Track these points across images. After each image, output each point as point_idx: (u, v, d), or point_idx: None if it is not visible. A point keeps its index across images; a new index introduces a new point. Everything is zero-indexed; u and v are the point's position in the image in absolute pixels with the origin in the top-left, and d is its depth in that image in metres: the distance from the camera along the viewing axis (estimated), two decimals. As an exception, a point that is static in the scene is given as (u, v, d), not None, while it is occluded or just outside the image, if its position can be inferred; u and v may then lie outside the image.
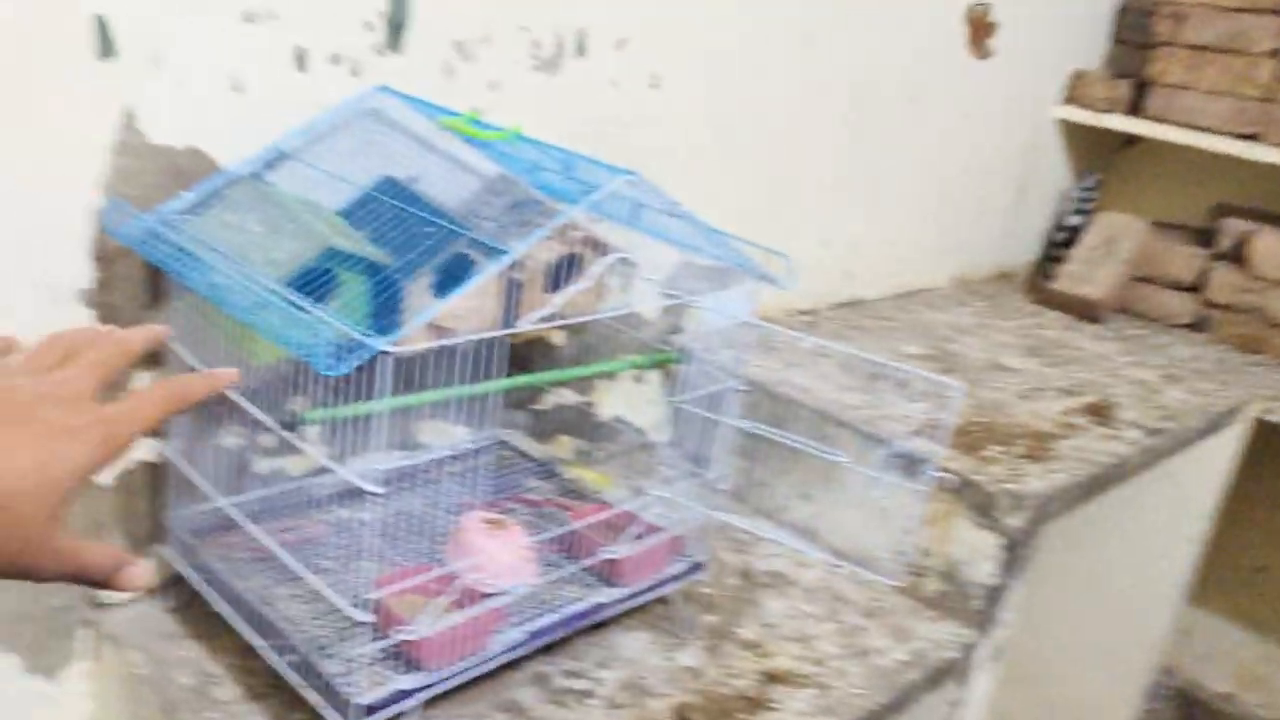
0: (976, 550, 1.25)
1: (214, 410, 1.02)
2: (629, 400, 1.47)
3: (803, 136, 1.58)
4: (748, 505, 1.44)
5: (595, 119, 1.27)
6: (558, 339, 1.32)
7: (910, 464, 1.09)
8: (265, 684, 0.98)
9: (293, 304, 0.77)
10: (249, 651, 1.02)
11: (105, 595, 1.05)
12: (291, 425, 0.84)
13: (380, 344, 0.71)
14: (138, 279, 0.97)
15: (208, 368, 0.93)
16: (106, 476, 1.01)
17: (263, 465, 1.11)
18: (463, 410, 1.26)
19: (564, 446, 1.41)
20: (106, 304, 0.95)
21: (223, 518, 1.04)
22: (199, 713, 0.94)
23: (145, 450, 1.03)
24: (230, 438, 1.06)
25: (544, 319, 0.88)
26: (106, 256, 0.94)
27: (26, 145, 0.86)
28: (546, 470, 1.27)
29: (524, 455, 1.29)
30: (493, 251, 0.97)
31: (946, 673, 1.22)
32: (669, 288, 1.39)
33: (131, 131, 0.92)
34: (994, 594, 1.25)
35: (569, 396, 1.38)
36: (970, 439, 1.37)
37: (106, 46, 0.88)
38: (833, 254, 1.75)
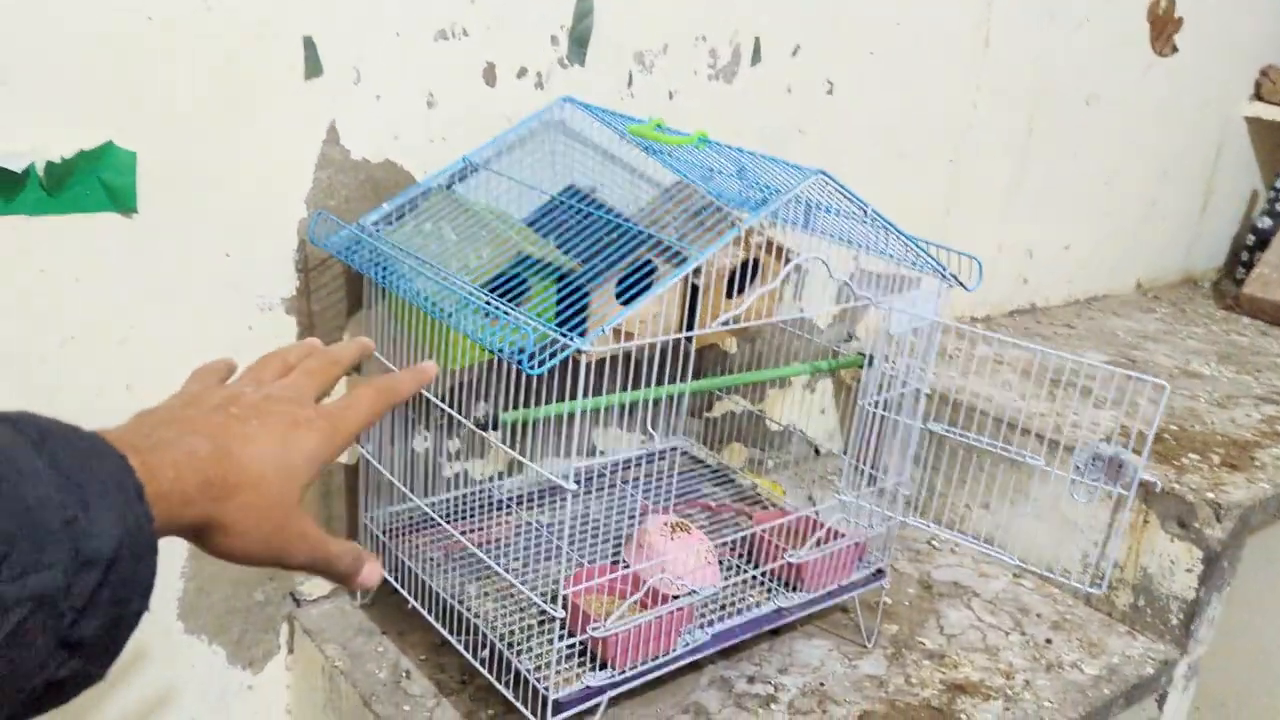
0: (1175, 562, 1.19)
1: (405, 415, 1.06)
2: (800, 408, 1.46)
3: (978, 140, 1.54)
4: (925, 515, 1.41)
5: (770, 126, 1.27)
6: (731, 346, 1.32)
7: (1112, 470, 1.05)
8: (455, 679, 1.01)
9: (494, 307, 0.80)
10: (438, 647, 1.05)
11: (304, 591, 1.10)
12: (485, 426, 0.87)
13: (581, 344, 0.73)
14: (336, 288, 1.02)
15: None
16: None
17: (448, 469, 1.15)
18: (638, 417, 1.27)
19: (736, 454, 1.41)
20: (307, 311, 1.00)
21: (412, 518, 1.08)
22: (396, 705, 0.97)
23: (342, 454, 1.07)
24: (420, 441, 1.10)
25: (726, 321, 0.88)
26: (308, 266, 0.99)
27: (242, 162, 0.92)
28: (721, 476, 1.27)
29: (698, 461, 1.29)
30: (675, 258, 0.98)
31: (1143, 690, 1.16)
32: (845, 292, 1.38)
33: (334, 147, 0.97)
34: (1192, 609, 1.18)
35: (740, 404, 1.38)
36: (1165, 447, 1.30)
37: (313, 67, 0.93)
38: (1008, 259, 1.70)
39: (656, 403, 1.27)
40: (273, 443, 0.49)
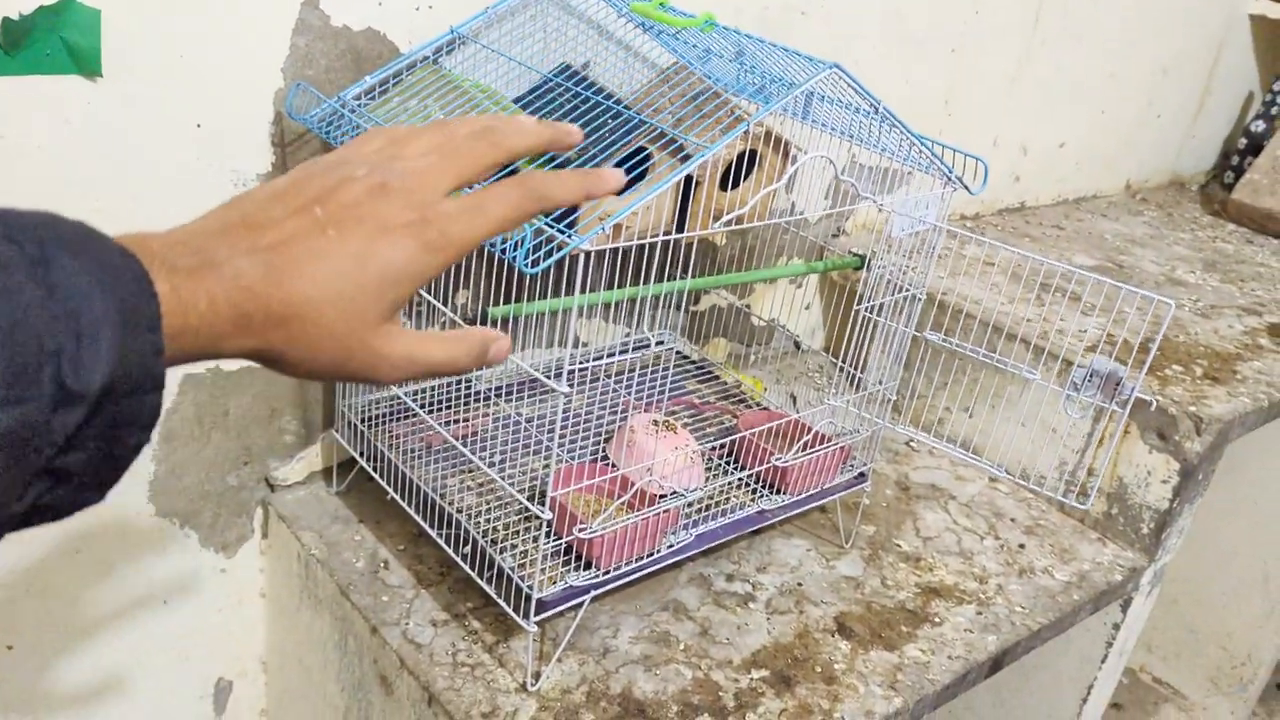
0: (1152, 473, 1.19)
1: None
2: (785, 303, 1.44)
3: (983, 27, 1.49)
4: (903, 417, 1.40)
5: (772, 3, 1.21)
6: (720, 239, 1.29)
7: (1109, 386, 1.04)
8: (434, 571, 1.00)
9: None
10: (416, 538, 1.04)
11: (279, 476, 1.07)
12: (473, 321, 0.83)
13: (580, 243, 0.69)
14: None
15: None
16: (282, 360, 1.02)
17: (428, 355, 1.11)
18: (623, 310, 1.24)
19: (719, 349, 1.39)
20: (286, 189, 0.95)
21: (391, 407, 1.05)
22: (374, 595, 0.96)
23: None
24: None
25: (729, 222, 0.84)
26: (285, 141, 0.94)
27: (214, 23, 0.85)
28: (705, 373, 1.24)
29: (682, 356, 1.27)
30: (672, 146, 0.94)
31: (1110, 596, 1.18)
32: (845, 189, 1.34)
33: (313, 11, 0.90)
34: (1164, 519, 1.19)
35: (727, 298, 1.35)
36: (1146, 357, 1.30)
37: (293, -77, 0.86)
38: (1003, 156, 1.66)
39: (647, 298, 1.24)
40: (346, 261, 0.42)
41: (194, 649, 1.10)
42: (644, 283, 0.98)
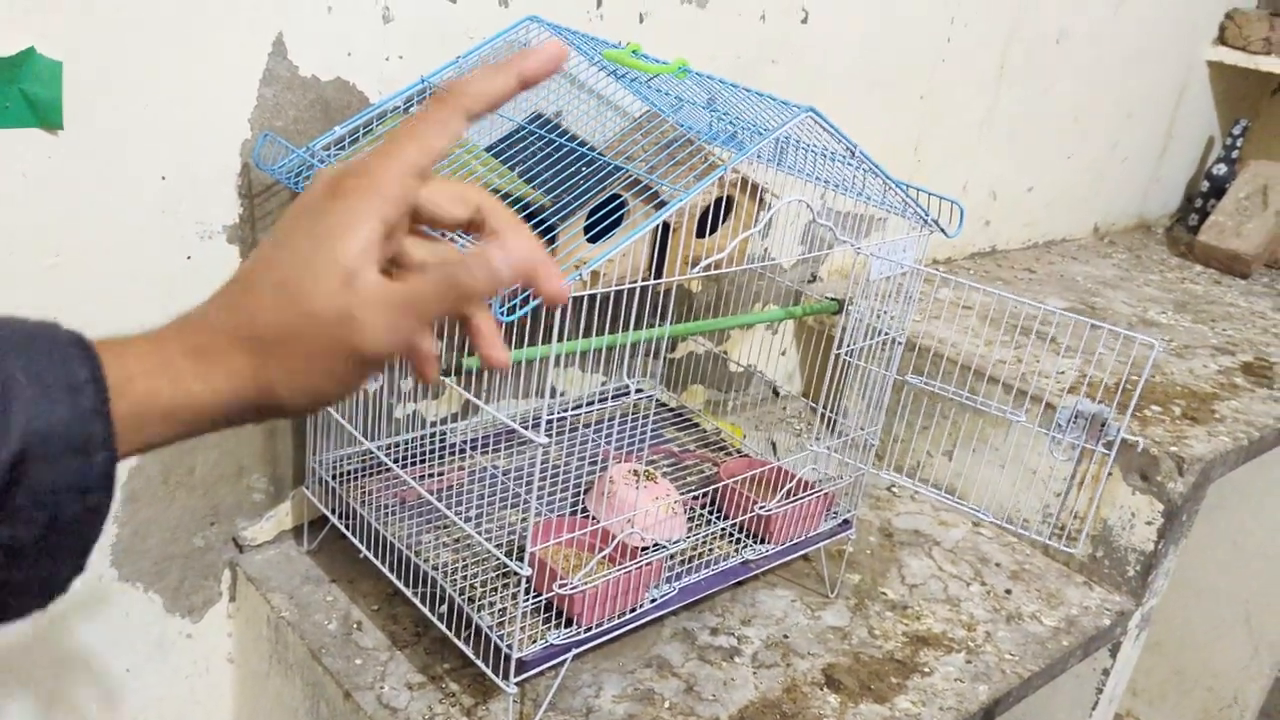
0: (1136, 515, 1.18)
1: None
2: (761, 349, 1.43)
3: (950, 76, 1.50)
4: (884, 462, 1.39)
5: (742, 53, 1.21)
6: (695, 285, 1.27)
7: (1094, 428, 1.03)
8: (409, 631, 0.97)
9: (461, 245, 0.74)
10: (390, 597, 1.00)
11: (247, 537, 1.04)
12: (448, 371, 0.81)
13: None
14: (282, 215, 0.95)
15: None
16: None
17: (399, 410, 1.09)
18: (600, 357, 1.23)
19: (696, 395, 1.37)
20: (251, 240, 0.93)
21: (363, 462, 1.03)
22: (347, 659, 0.93)
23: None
24: (370, 381, 1.04)
25: (708, 267, 0.83)
26: (253, 192, 0.92)
27: (180, 75, 0.84)
28: (683, 420, 1.23)
29: (660, 404, 1.25)
30: (646, 193, 0.93)
31: (1100, 641, 1.16)
32: (821, 233, 1.33)
33: (281, 61, 0.89)
34: (1150, 561, 1.18)
35: (704, 345, 1.34)
36: (1127, 399, 1.29)
37: (260, -28, 0.84)
38: (972, 200, 1.67)
39: (624, 345, 1.22)
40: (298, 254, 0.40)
41: (159, 719, 1.05)
42: (621, 330, 0.96)
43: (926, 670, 1.02)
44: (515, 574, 0.93)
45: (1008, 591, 1.17)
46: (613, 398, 1.23)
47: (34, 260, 0.82)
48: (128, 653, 1.01)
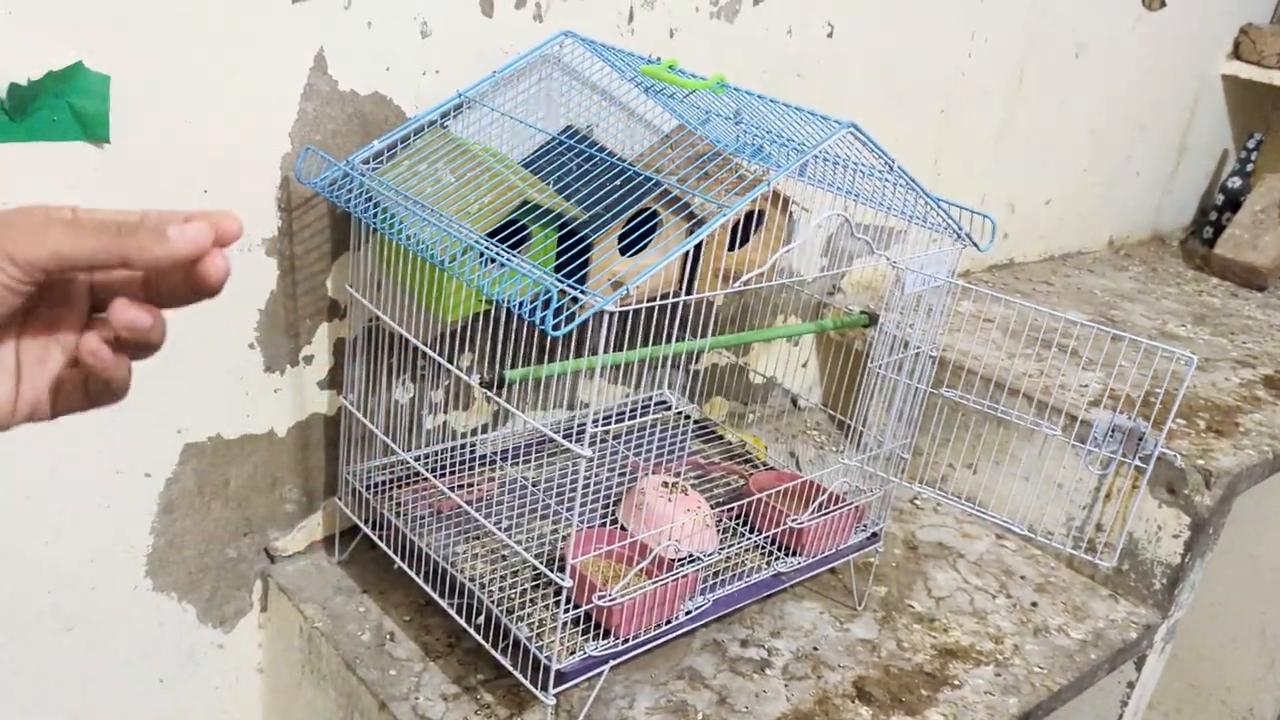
0: (1163, 528, 1.18)
1: (387, 364, 1.01)
2: (783, 361, 1.43)
3: (970, 89, 1.51)
4: (906, 474, 1.39)
5: (770, 67, 1.22)
6: (719, 298, 1.28)
7: (1131, 441, 1.03)
8: (442, 642, 0.97)
9: (505, 258, 0.74)
10: (423, 608, 1.01)
11: (280, 547, 1.04)
12: (491, 384, 0.82)
13: (605, 304, 0.68)
14: (320, 229, 0.95)
15: (390, 319, 0.92)
16: (281, 428, 1.00)
17: (430, 421, 1.10)
18: (632, 371, 1.23)
19: (718, 407, 1.38)
20: (289, 254, 0.94)
21: (395, 473, 1.03)
22: (381, 669, 0.93)
23: (321, 403, 1.01)
24: (402, 391, 1.05)
25: (747, 281, 0.84)
26: (291, 205, 0.93)
27: (223, 90, 0.85)
28: (707, 432, 1.23)
29: (684, 417, 1.25)
30: (678, 206, 0.94)
31: (1127, 654, 1.17)
32: (852, 245, 1.34)
33: (321, 76, 0.90)
34: (1176, 574, 1.18)
35: (726, 357, 1.35)
36: (1151, 411, 1.30)
37: (302, -12, 0.85)
38: (991, 213, 1.67)
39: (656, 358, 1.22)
40: None
41: (189, 729, 1.06)
42: (652, 343, 0.97)
43: (956, 683, 1.02)
44: (553, 585, 0.94)
45: (1034, 604, 1.17)
46: (640, 410, 1.23)
47: (78, 272, 0.82)
48: (161, 663, 1.01)
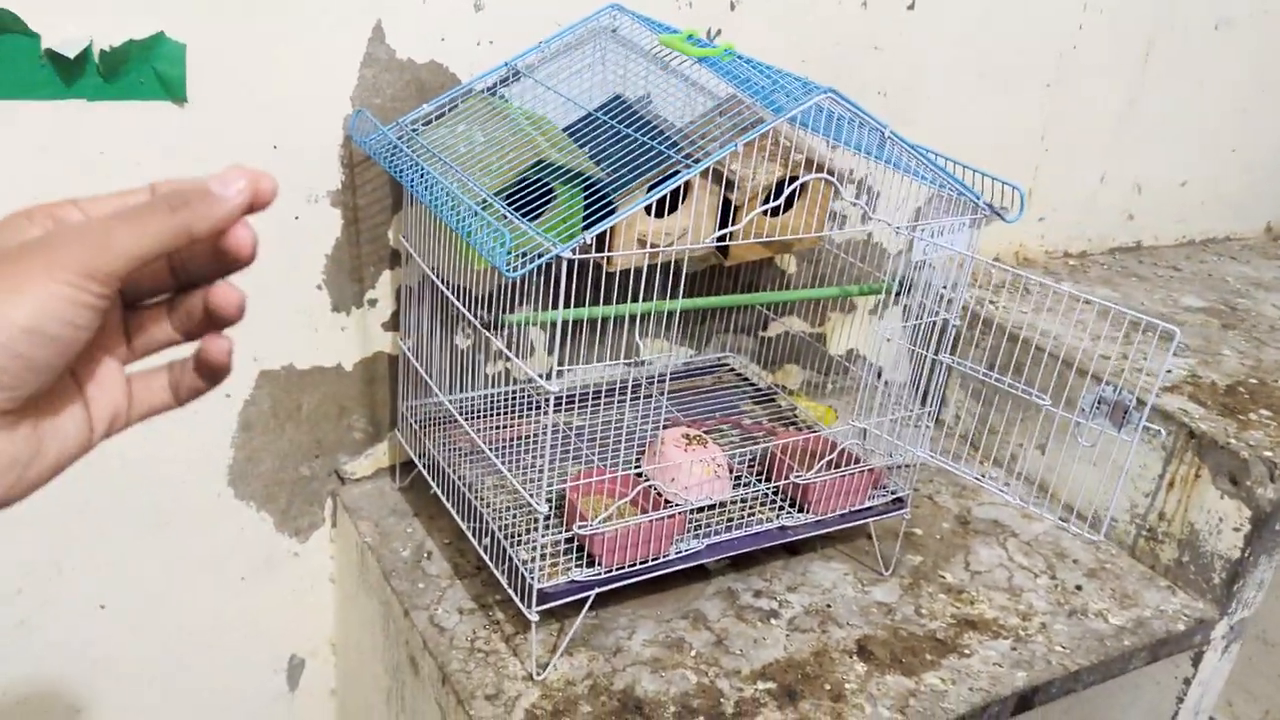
0: (1224, 520, 1.14)
1: (448, 313, 1.10)
2: (864, 334, 1.45)
3: (1082, 64, 1.46)
4: (979, 451, 1.38)
5: (843, 41, 1.24)
6: (789, 265, 1.31)
7: (1117, 415, 1.01)
8: (471, 564, 1.07)
9: (498, 212, 0.82)
10: (461, 534, 1.10)
11: (349, 470, 1.17)
12: (489, 326, 0.90)
13: (559, 249, 0.74)
14: (380, 184, 1.06)
15: (434, 272, 1.01)
16: (348, 362, 1.11)
17: (491, 367, 1.19)
18: (687, 330, 1.29)
19: (791, 375, 1.41)
20: (352, 205, 1.05)
21: (447, 411, 1.13)
22: (412, 582, 1.04)
23: (385, 343, 1.12)
24: (462, 338, 1.14)
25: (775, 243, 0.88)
26: (353, 162, 1.03)
27: (289, 57, 0.96)
28: (765, 396, 1.27)
29: (742, 379, 1.30)
30: (708, 170, 0.98)
31: (1173, 646, 1.13)
32: (912, 218, 1.34)
33: (379, 45, 1.00)
34: (1236, 569, 1.14)
35: (796, 325, 1.38)
36: (1237, 401, 1.24)
37: (358, -35, 0.95)
38: (1113, 193, 1.62)
39: (703, 318, 1.27)
40: None
41: (269, 625, 1.20)
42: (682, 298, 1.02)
43: (966, 652, 1.03)
44: (563, 520, 1.01)
45: (1078, 587, 1.15)
46: (699, 371, 1.28)
47: (159, 214, 0.96)
48: (242, 564, 1.15)
